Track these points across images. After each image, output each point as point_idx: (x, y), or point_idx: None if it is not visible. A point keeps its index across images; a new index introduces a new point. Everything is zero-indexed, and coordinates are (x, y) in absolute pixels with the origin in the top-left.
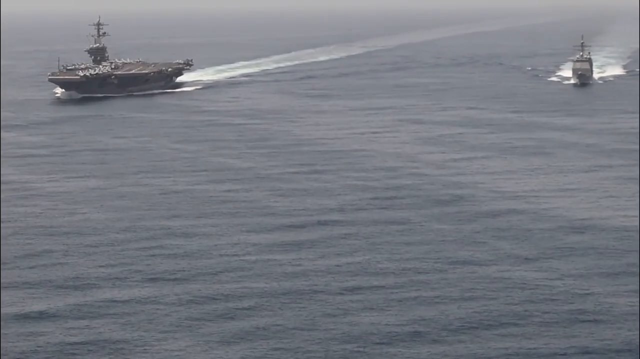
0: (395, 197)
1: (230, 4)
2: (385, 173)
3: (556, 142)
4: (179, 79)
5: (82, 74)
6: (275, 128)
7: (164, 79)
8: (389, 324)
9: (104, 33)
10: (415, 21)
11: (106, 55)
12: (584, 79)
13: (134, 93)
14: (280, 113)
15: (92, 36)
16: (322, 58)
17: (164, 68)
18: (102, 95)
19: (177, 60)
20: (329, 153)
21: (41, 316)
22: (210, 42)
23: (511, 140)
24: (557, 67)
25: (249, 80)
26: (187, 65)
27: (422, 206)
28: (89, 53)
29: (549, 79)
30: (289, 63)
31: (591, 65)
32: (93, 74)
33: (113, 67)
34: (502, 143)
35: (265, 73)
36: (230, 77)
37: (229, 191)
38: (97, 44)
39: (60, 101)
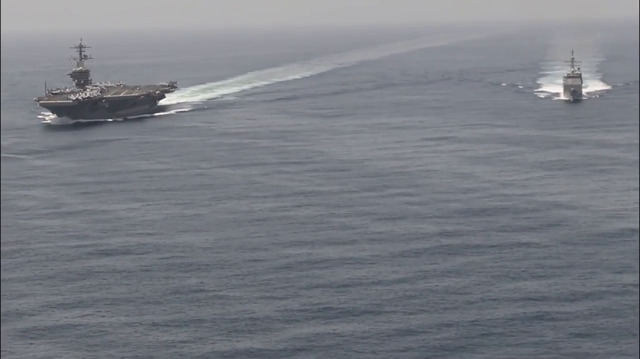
0: (494, 220)
1: (160, 24)
2: (462, 195)
3: (602, 158)
4: (161, 101)
5: (74, 98)
6: (308, 149)
7: (149, 102)
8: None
9: (85, 56)
10: (357, 38)
11: (89, 78)
12: (576, 95)
13: (124, 117)
14: (300, 134)
15: (74, 59)
16: (292, 77)
17: (151, 91)
18: (94, 120)
19: (162, 83)
20: (385, 175)
21: (235, 353)
22: (164, 62)
23: (560, 157)
24: (535, 82)
25: (237, 100)
26: (172, 88)
27: (534, 229)
28: (71, 77)
29: (537, 95)
30: (264, 82)
31: (581, 80)
32: (85, 98)
33: (100, 91)
34: (554, 161)
35: (245, 93)
36: (212, 99)
37: (318, 215)
38: (80, 67)
39: (52, 126)
